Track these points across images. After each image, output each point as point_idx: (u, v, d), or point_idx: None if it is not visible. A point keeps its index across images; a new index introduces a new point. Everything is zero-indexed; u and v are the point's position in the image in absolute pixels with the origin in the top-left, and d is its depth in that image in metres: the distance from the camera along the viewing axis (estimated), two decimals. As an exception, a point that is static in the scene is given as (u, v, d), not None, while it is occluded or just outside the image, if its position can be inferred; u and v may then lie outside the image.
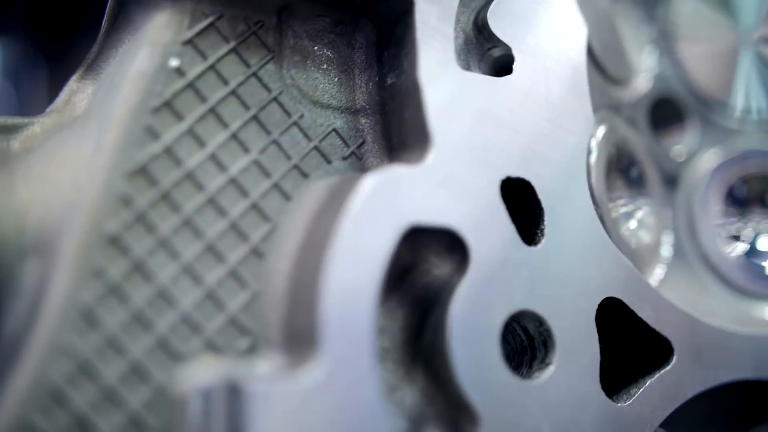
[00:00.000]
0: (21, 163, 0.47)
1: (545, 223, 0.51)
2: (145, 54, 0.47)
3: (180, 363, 0.43)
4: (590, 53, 0.58)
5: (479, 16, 0.52)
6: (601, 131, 0.56)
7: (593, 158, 0.55)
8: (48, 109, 0.52)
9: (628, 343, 0.53)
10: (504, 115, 0.50)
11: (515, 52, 0.52)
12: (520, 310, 0.48)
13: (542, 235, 0.50)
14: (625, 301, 0.52)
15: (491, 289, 0.48)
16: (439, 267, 0.49)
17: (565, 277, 0.50)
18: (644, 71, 0.63)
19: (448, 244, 0.48)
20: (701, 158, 0.64)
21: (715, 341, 0.55)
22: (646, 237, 0.58)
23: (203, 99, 0.47)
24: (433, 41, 0.49)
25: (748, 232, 0.62)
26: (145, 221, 0.44)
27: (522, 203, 0.51)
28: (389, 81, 0.51)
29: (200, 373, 0.43)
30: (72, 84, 0.52)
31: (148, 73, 0.46)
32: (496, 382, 0.47)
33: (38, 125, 0.51)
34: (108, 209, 0.44)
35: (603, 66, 0.58)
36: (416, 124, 0.49)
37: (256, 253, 0.47)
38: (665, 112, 0.64)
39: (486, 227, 0.48)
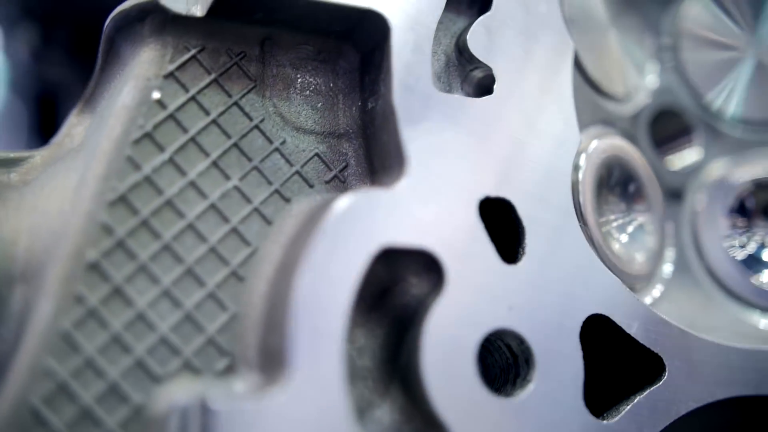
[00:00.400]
0: (16, 195, 0.50)
1: (526, 241, 0.51)
2: (129, 88, 0.49)
3: (158, 384, 0.45)
4: (581, 70, 0.58)
5: (461, 38, 0.53)
6: (592, 147, 0.56)
7: (581, 174, 0.55)
8: (51, 142, 0.55)
9: (619, 360, 0.53)
10: (484, 135, 0.51)
11: (496, 73, 0.52)
12: (499, 328, 0.49)
13: (523, 253, 0.51)
14: (613, 317, 0.52)
15: (467, 308, 0.48)
16: (417, 287, 0.49)
17: (547, 295, 0.50)
18: (645, 84, 0.62)
19: (425, 265, 0.49)
20: (706, 170, 0.63)
21: (711, 356, 0.54)
22: (643, 252, 0.58)
23: (184, 129, 0.49)
24: (410, 65, 0.50)
25: (754, 244, 0.61)
26: (125, 248, 0.46)
27: (505, 221, 0.51)
28: (369, 105, 0.52)
29: (176, 394, 0.44)
30: (72, 118, 0.55)
31: (131, 106, 0.49)
32: (472, 401, 0.47)
33: (39, 157, 0.53)
34: (90, 238, 0.46)
35: (596, 82, 0.58)
36: (393, 147, 0.50)
37: (236, 276, 0.48)
38: (669, 125, 0.64)
39: (462, 247, 0.49)
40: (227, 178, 0.50)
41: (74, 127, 0.54)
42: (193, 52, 0.50)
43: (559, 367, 0.50)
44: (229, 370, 0.47)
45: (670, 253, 0.61)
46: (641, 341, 0.52)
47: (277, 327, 0.45)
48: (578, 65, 0.58)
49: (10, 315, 0.46)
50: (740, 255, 0.61)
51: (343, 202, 0.46)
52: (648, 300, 0.58)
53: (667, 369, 0.53)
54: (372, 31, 0.51)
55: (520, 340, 0.49)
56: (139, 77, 0.49)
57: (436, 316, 0.47)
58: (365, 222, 0.47)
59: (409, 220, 0.48)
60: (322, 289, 0.45)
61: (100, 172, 0.47)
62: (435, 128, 0.50)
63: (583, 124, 0.57)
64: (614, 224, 0.57)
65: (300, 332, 0.44)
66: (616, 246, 0.56)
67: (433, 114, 0.50)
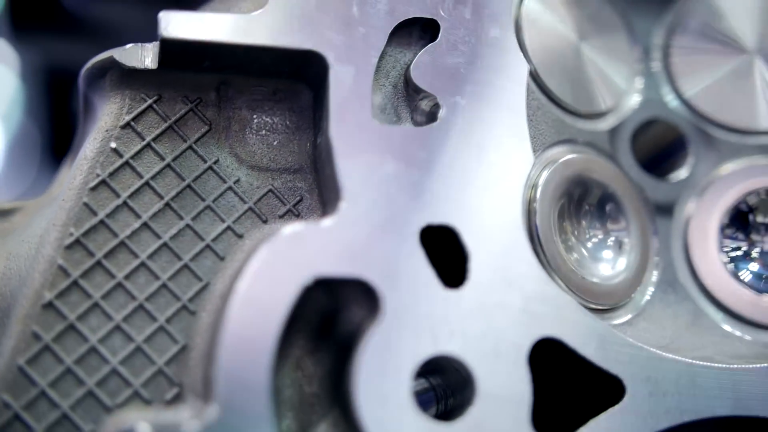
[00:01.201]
0: (1, 242, 0.55)
1: (471, 266, 0.51)
2: (90, 140, 0.53)
3: (108, 414, 0.49)
4: (544, 90, 0.57)
5: (408, 70, 0.54)
6: (551, 168, 0.55)
7: (538, 195, 0.54)
8: (46, 192, 0.60)
9: (577, 383, 0.52)
10: (427, 163, 0.52)
11: (441, 101, 0.53)
12: (438, 354, 0.49)
13: (467, 278, 0.51)
14: (565, 339, 0.51)
15: (404, 334, 0.49)
16: (357, 314, 0.51)
17: (492, 319, 0.50)
18: (626, 98, 0.61)
19: (363, 293, 0.50)
20: (698, 180, 0.61)
21: (680, 377, 0.52)
22: (619, 270, 0.56)
23: (139, 175, 0.53)
24: (349, 100, 0.52)
25: (751, 257, 0.58)
26: (79, 288, 0.50)
27: (452, 247, 0.52)
28: (318, 141, 0.54)
29: (123, 423, 0.48)
30: (64, 168, 0.60)
31: (90, 157, 0.53)
32: (406, 425, 0.48)
33: (31, 206, 0.58)
34: (47, 280, 0.50)
35: (562, 101, 0.57)
36: (332, 180, 0.51)
37: (188, 310, 0.51)
38: (655, 136, 0.62)
39: (400, 274, 0.50)
40: (180, 218, 0.53)
41: (63, 177, 0.59)
42: (149, 102, 0.54)
43: (503, 391, 0.49)
44: (178, 399, 0.50)
45: (653, 270, 0.59)
46: (599, 363, 0.51)
47: (212, 357, 0.48)
48: (540, 86, 0.57)
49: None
50: (736, 268, 0.59)
51: (276, 236, 0.48)
52: (624, 319, 0.56)
53: (627, 391, 0.51)
54: (317, 70, 0.53)
55: (461, 365, 0.49)
56: (100, 129, 0.53)
57: (371, 342, 0.48)
58: (295, 255, 0.48)
59: (341, 250, 0.49)
60: (252, 320, 0.47)
61: (60, 219, 0.51)
62: (374, 160, 0.51)
63: (547, 144, 0.56)
64: (585, 243, 0.56)
65: (227, 363, 0.46)
66: (586, 265, 0.55)
67: (373, 146, 0.51)
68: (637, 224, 0.58)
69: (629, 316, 0.57)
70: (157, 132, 0.54)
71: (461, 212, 0.52)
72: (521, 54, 0.55)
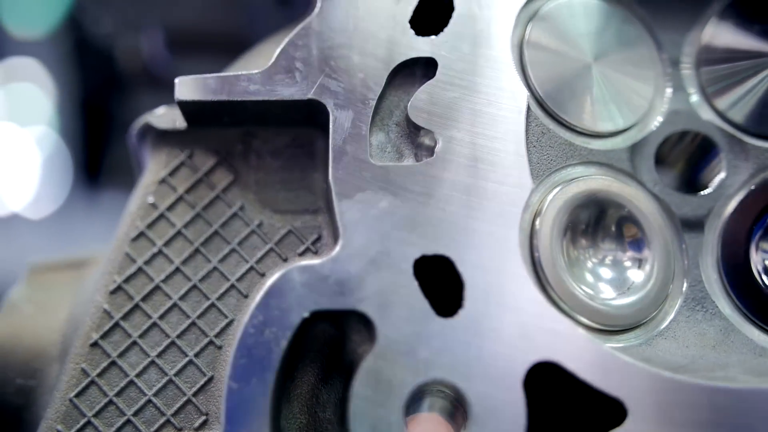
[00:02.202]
0: (71, 289, 0.63)
1: (466, 293, 0.53)
2: (133, 196, 0.60)
3: (144, 440, 0.55)
4: (551, 115, 0.57)
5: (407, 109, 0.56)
6: (556, 192, 0.55)
7: (540, 220, 0.55)
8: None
9: (578, 407, 0.52)
10: (422, 197, 0.54)
11: (438, 137, 0.55)
12: (432, 379, 0.51)
13: (463, 306, 0.52)
14: (563, 363, 0.51)
15: (398, 362, 0.51)
16: (360, 345, 0.54)
17: (488, 345, 0.51)
18: (649, 113, 0.59)
19: (363, 324, 0.53)
20: (732, 192, 0.58)
21: (688, 398, 0.50)
22: (634, 290, 0.55)
23: (172, 224, 0.59)
24: (347, 142, 0.55)
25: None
26: (121, 329, 0.57)
27: (449, 276, 0.53)
28: (327, 182, 0.58)
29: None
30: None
31: (132, 211, 0.59)
32: (398, 451, 0.50)
33: (100, 258, 0.66)
34: (95, 322, 0.57)
35: (570, 125, 0.57)
36: (334, 219, 0.55)
37: (214, 345, 0.56)
38: (683, 149, 0.60)
39: (394, 305, 0.52)
40: (209, 260, 0.58)
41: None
42: (182, 158, 0.60)
43: (498, 416, 0.50)
44: (205, 427, 0.55)
45: (680, 288, 0.57)
46: (599, 386, 0.51)
47: (227, 387, 0.52)
48: (547, 110, 0.57)
49: (49, 387, 0.59)
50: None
51: (277, 275, 0.53)
52: (642, 339, 0.55)
53: (629, 414, 0.50)
54: (323, 117, 0.57)
55: (455, 390, 0.51)
56: (141, 185, 0.60)
57: (365, 370, 0.51)
58: (295, 290, 0.52)
59: (337, 284, 0.52)
60: (255, 351, 0.51)
61: (107, 268, 0.58)
62: (370, 198, 0.54)
63: (554, 168, 0.57)
64: (598, 265, 0.56)
65: (234, 392, 0.51)
66: (598, 287, 0.55)
67: (369, 184, 0.54)
68: (659, 242, 0.56)
69: (649, 336, 0.55)
70: (189, 184, 0.60)
71: (456, 242, 0.53)
72: (520, 82, 0.56)
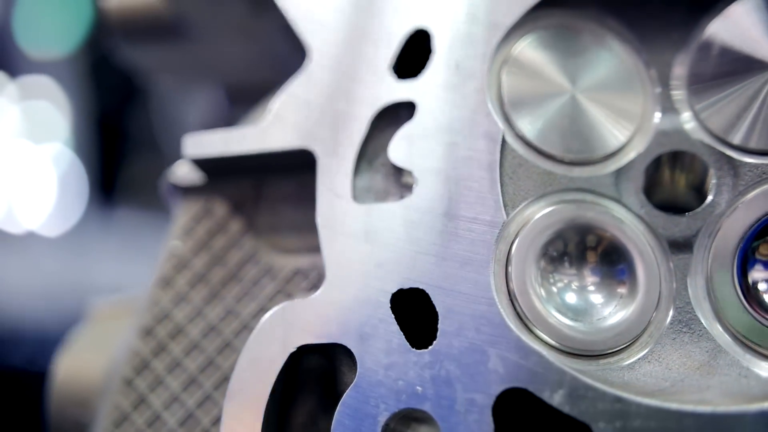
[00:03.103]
0: (122, 328, 0.71)
1: (440, 325, 0.55)
2: (163, 245, 0.67)
3: (168, 468, 0.61)
4: (530, 146, 0.58)
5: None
6: (531, 222, 0.57)
7: (514, 250, 0.56)
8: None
9: (550, 430, 0.53)
10: (401, 235, 0.57)
11: (417, 176, 0.58)
12: (407, 408, 0.54)
13: (436, 336, 0.55)
14: (531, 389, 0.52)
15: (375, 393, 0.54)
16: (348, 376, 0.57)
17: (458, 375, 0.54)
18: (639, 135, 0.59)
19: (348, 357, 0.56)
20: (720, 211, 0.57)
21: (658, 423, 0.50)
22: (613, 316, 0.55)
23: (195, 271, 0.65)
24: (333, 186, 0.59)
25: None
26: (149, 367, 0.63)
27: (426, 308, 0.56)
28: (324, 224, 0.62)
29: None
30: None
31: (161, 260, 0.66)
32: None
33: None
34: (130, 362, 0.64)
35: (549, 154, 0.58)
36: (322, 259, 0.59)
37: (227, 378, 0.61)
38: (673, 170, 0.59)
39: (373, 337, 0.55)
40: (227, 302, 0.63)
41: None
42: (202, 209, 0.66)
43: (468, 442, 0.52)
44: (219, 454, 0.60)
45: (667, 311, 0.56)
46: (567, 411, 0.52)
47: (222, 418, 0.57)
48: (525, 141, 0.58)
49: (96, 421, 0.66)
50: (759, 299, 0.54)
51: (267, 314, 0.57)
52: (624, 363, 0.55)
53: (596, 438, 0.51)
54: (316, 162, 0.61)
55: (429, 420, 0.53)
56: (169, 235, 0.67)
57: (345, 404, 0.55)
58: (284, 326, 0.57)
59: (321, 320, 0.56)
60: (247, 385, 0.56)
61: (141, 312, 0.65)
62: (352, 239, 0.57)
63: (531, 198, 0.58)
64: (574, 291, 0.56)
65: (229, 418, 0.56)
66: (574, 313, 0.55)
67: (352, 226, 0.58)
68: (643, 266, 0.56)
69: (631, 360, 0.55)
70: (209, 233, 0.66)
71: (433, 275, 0.56)
72: (495, 117, 0.58)
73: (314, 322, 0.57)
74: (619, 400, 0.52)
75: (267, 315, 0.57)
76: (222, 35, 0.72)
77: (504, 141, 0.58)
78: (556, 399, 0.53)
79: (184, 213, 0.67)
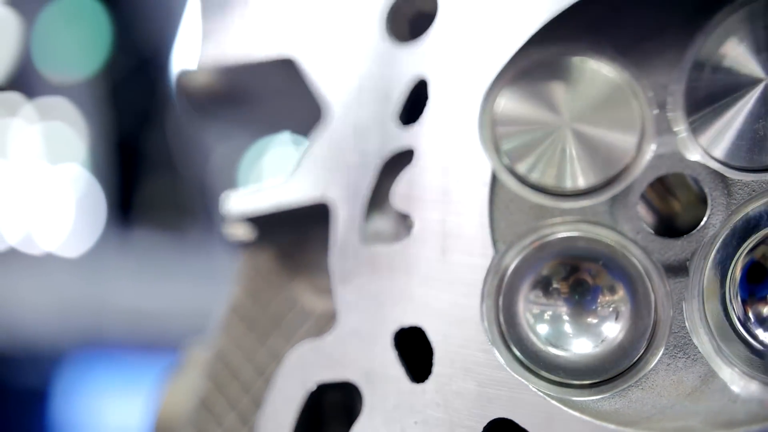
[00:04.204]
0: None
1: (435, 360, 0.57)
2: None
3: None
4: (522, 181, 0.60)
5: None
6: (521, 255, 0.58)
7: (504, 282, 0.57)
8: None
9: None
10: (403, 275, 0.60)
11: (414, 218, 0.61)
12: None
13: (431, 372, 0.57)
14: (516, 420, 0.54)
15: (379, 424, 0.58)
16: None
17: (449, 406, 0.56)
18: (636, 161, 0.58)
19: (359, 392, 0.60)
20: (715, 232, 0.55)
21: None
22: (605, 343, 0.55)
23: (246, 322, 0.71)
24: (344, 233, 0.63)
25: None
26: (209, 411, 0.70)
27: (425, 344, 0.59)
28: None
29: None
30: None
31: (219, 316, 0.73)
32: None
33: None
34: (194, 411, 0.71)
35: (542, 187, 0.59)
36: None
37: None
38: (667, 193, 0.58)
39: (378, 373, 0.59)
40: (273, 351, 0.69)
41: None
42: (251, 258, 0.72)
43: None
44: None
45: (661, 337, 0.55)
46: (549, 440, 0.53)
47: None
48: (517, 177, 0.60)
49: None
50: (754, 322, 0.52)
51: (295, 351, 0.62)
52: (616, 390, 0.55)
53: (575, 467, 0.51)
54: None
55: None
56: (229, 286, 0.74)
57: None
58: (303, 365, 0.61)
59: (334, 359, 0.60)
60: (272, 423, 0.61)
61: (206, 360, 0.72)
62: (362, 280, 0.61)
63: (522, 232, 0.59)
64: (565, 320, 0.57)
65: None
66: (565, 343, 0.56)
67: (362, 268, 0.62)
68: (636, 292, 0.56)
69: (623, 387, 0.55)
70: (257, 280, 0.72)
71: (429, 312, 0.59)
72: (486, 154, 0.60)
73: (328, 360, 0.61)
74: (597, 429, 0.52)
75: (288, 355, 0.63)
76: (269, 97, 0.79)
77: (494, 177, 0.60)
78: (540, 429, 0.54)
79: (239, 265, 0.74)
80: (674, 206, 0.59)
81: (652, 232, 0.58)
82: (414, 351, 0.60)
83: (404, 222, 0.64)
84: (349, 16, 0.68)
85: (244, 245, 0.73)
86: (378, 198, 0.65)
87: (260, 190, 0.69)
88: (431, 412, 0.57)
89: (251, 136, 0.92)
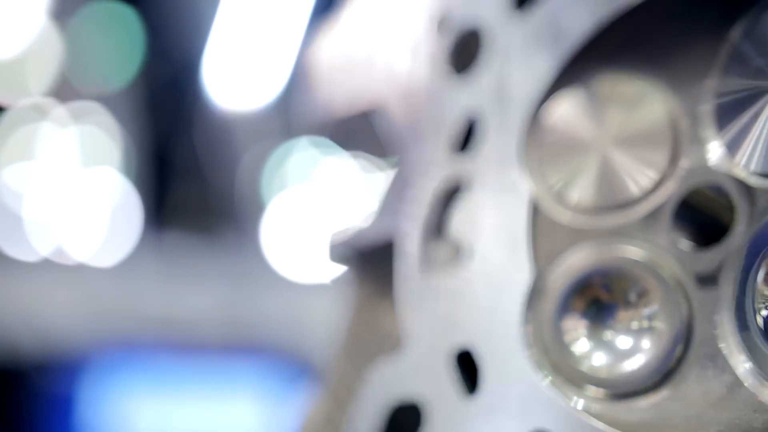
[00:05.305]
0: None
1: (481, 375, 0.61)
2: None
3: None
4: (560, 203, 0.62)
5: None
6: (557, 273, 0.60)
7: (543, 301, 0.60)
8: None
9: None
10: (457, 296, 0.64)
11: (464, 242, 0.65)
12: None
13: (479, 386, 0.61)
14: (552, 430, 0.57)
15: (440, 433, 0.63)
16: (430, 429, 0.65)
17: (494, 418, 0.60)
18: (670, 175, 0.59)
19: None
20: (742, 241, 0.54)
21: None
22: (639, 356, 0.56)
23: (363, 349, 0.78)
24: (408, 261, 0.69)
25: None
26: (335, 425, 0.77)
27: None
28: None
29: None
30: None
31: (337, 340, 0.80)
32: None
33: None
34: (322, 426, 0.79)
35: (579, 207, 0.61)
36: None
37: None
38: (697, 205, 0.57)
39: (442, 394, 0.64)
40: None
41: None
42: (355, 291, 0.79)
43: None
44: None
45: (694, 346, 0.55)
46: (577, 451, 0.55)
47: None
48: (556, 199, 0.62)
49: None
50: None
51: (376, 370, 0.68)
52: (652, 401, 0.55)
53: (600, 477, 0.53)
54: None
55: None
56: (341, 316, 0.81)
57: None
58: (378, 385, 0.67)
59: (408, 380, 0.66)
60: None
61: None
62: (424, 307, 0.67)
63: (560, 251, 0.61)
64: (602, 335, 0.58)
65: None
66: (601, 357, 0.58)
67: (423, 294, 0.67)
68: (670, 305, 0.57)
69: (658, 398, 0.56)
70: (360, 312, 0.79)
71: (475, 332, 0.63)
72: (525, 180, 0.63)
73: (398, 380, 0.67)
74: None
75: (369, 376, 0.69)
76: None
77: (533, 201, 0.63)
78: (571, 440, 0.56)
79: (350, 294, 0.81)
80: (706, 217, 0.59)
81: (686, 245, 0.59)
82: (472, 371, 0.64)
83: (461, 250, 0.68)
84: (417, 56, 0.73)
85: (350, 278, 0.81)
86: (439, 229, 0.70)
87: (346, 232, 0.76)
88: (478, 424, 0.61)
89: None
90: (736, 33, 0.58)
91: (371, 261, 0.78)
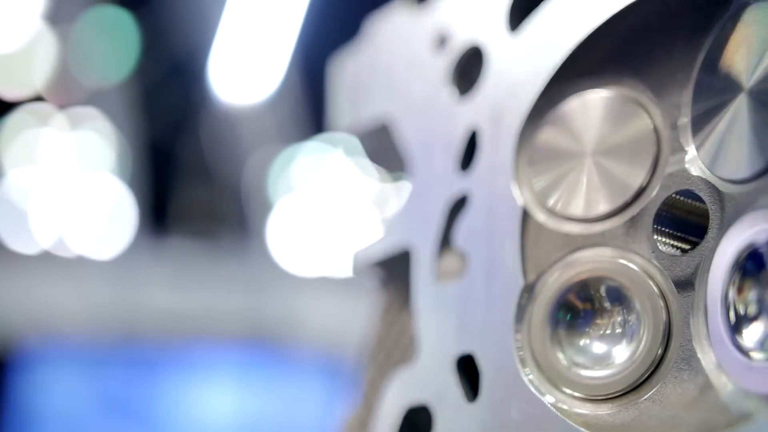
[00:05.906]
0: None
1: (480, 383, 0.64)
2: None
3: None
4: (550, 212, 0.64)
5: (450, 241, 0.71)
6: (547, 283, 0.62)
7: (534, 310, 0.62)
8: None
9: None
10: (457, 307, 0.68)
11: (464, 254, 0.68)
12: (459, 454, 0.64)
13: (479, 393, 0.64)
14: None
15: (444, 438, 0.66)
16: None
17: (491, 423, 0.63)
18: (652, 181, 0.60)
19: (435, 413, 0.68)
20: (714, 245, 0.55)
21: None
22: (619, 360, 0.58)
23: (389, 355, 0.82)
24: (420, 272, 0.72)
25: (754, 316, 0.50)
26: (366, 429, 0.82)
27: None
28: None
29: None
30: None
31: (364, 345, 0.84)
32: None
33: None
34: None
35: (568, 217, 0.63)
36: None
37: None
38: (675, 211, 0.58)
39: (444, 398, 0.67)
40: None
41: None
42: (380, 299, 0.83)
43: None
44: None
45: (673, 350, 0.56)
46: (561, 453, 0.57)
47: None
48: (545, 208, 0.64)
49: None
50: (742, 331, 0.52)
51: (395, 377, 0.72)
52: (636, 402, 0.57)
53: (575, 477, 0.56)
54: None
55: None
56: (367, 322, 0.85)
57: (426, 450, 0.67)
58: (396, 389, 0.71)
59: (418, 386, 0.69)
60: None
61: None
62: (429, 313, 0.70)
63: (551, 261, 0.63)
64: (584, 342, 0.60)
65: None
66: (583, 362, 0.60)
67: (429, 303, 0.70)
68: (649, 310, 0.58)
69: (641, 400, 0.57)
70: (385, 318, 0.83)
71: (478, 341, 0.66)
72: (517, 192, 0.66)
73: (412, 384, 0.71)
74: (595, 442, 0.56)
75: (389, 382, 0.73)
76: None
77: (524, 212, 0.66)
78: (550, 441, 0.59)
79: (376, 302, 0.85)
80: (683, 222, 0.61)
81: (668, 250, 0.60)
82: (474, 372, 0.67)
83: (464, 260, 0.71)
84: (426, 76, 0.77)
85: (375, 286, 0.85)
86: (447, 240, 0.74)
87: (369, 244, 0.80)
88: (479, 426, 0.64)
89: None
90: (707, 43, 0.60)
91: (393, 268, 0.82)
